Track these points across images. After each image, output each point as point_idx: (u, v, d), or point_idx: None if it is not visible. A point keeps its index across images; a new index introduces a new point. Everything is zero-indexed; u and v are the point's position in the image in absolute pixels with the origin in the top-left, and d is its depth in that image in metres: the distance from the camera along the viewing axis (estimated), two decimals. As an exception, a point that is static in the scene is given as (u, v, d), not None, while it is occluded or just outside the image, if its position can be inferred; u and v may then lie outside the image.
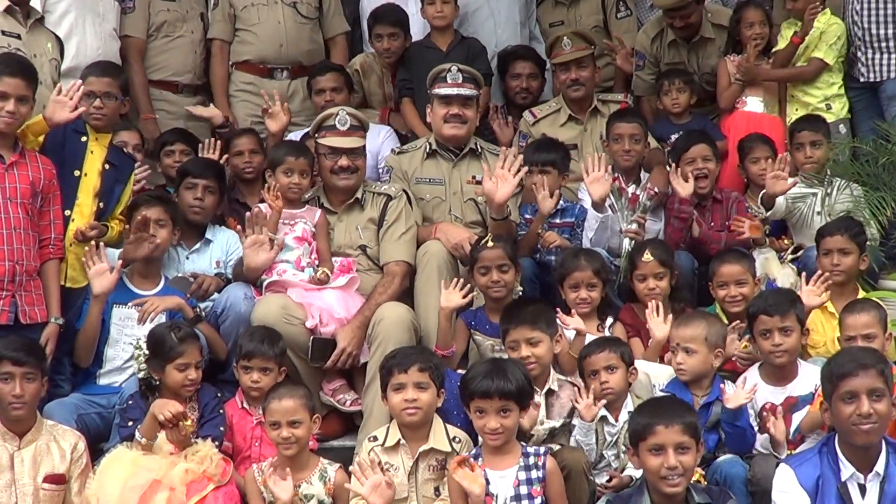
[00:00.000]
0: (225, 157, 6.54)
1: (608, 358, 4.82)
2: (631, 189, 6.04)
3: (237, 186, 6.56)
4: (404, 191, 5.99)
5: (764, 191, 6.01)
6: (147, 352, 5.00)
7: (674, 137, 6.62)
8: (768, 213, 6.00)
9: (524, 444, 4.53)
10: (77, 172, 5.57)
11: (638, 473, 4.41)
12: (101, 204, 5.64)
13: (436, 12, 7.10)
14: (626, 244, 5.86)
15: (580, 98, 6.77)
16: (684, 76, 6.97)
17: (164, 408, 4.67)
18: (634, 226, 5.96)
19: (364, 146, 5.99)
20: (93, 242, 5.42)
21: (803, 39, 6.71)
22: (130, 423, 4.84)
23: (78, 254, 5.47)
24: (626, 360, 4.85)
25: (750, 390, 4.67)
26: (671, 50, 7.21)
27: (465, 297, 5.30)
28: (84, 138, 5.63)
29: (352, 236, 5.86)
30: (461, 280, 5.36)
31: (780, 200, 5.95)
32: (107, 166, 5.67)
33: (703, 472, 4.53)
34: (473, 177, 6.15)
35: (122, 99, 5.83)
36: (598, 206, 5.87)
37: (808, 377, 4.81)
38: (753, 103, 6.86)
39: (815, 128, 6.32)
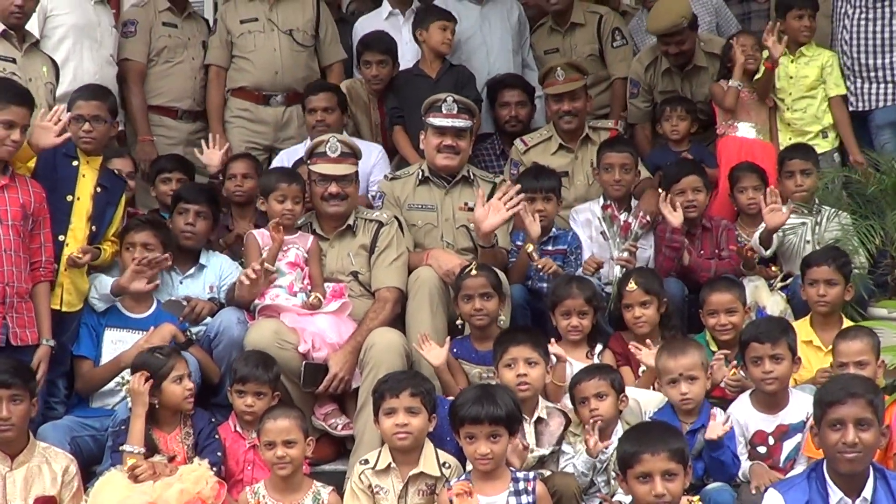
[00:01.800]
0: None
1: (598, 385, 4.85)
2: (623, 217, 6.07)
3: (230, 211, 6.57)
4: (396, 217, 6.01)
5: (762, 228, 6.03)
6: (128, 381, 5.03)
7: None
8: (767, 253, 6.03)
9: (513, 469, 4.53)
10: (69, 197, 5.56)
11: (628, 499, 4.39)
12: (94, 227, 5.62)
13: (445, 39, 7.14)
14: (617, 272, 5.88)
15: (572, 129, 6.80)
16: (686, 104, 7.04)
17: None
18: (626, 254, 5.99)
19: (356, 173, 6.00)
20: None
21: (775, 65, 6.73)
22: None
23: (73, 278, 5.49)
24: (617, 387, 4.87)
25: (724, 423, 4.69)
26: (665, 78, 7.28)
27: (443, 345, 5.34)
28: (75, 162, 5.61)
29: (343, 262, 5.88)
30: (426, 335, 5.37)
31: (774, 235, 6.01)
32: (98, 189, 5.66)
33: (700, 499, 4.49)
34: (466, 203, 6.17)
35: (111, 122, 5.83)
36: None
37: (799, 405, 4.82)
38: (745, 129, 6.86)
39: (805, 156, 6.35)
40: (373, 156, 6.84)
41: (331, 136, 5.98)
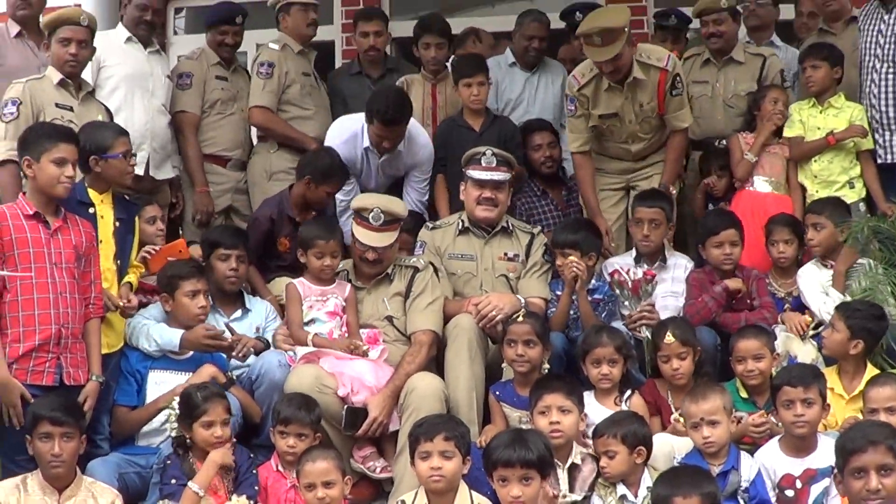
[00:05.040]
0: None
1: (605, 443, 4.91)
2: (629, 276, 6.00)
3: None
4: (431, 263, 6.12)
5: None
6: (178, 411, 5.14)
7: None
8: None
9: (546, 514, 4.60)
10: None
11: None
12: (119, 261, 5.67)
13: (472, 95, 7.17)
14: (645, 332, 5.85)
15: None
16: (725, 159, 7.09)
17: (225, 456, 4.94)
18: (644, 329, 5.91)
19: (396, 241, 6.07)
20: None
21: (839, 141, 6.74)
22: (174, 481, 4.97)
23: (112, 320, 5.56)
24: (629, 442, 4.88)
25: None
26: (606, 95, 6.87)
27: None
28: (92, 209, 5.56)
29: (378, 307, 6.00)
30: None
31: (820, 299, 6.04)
32: (117, 224, 5.68)
33: None
34: (505, 253, 6.31)
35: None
36: None
37: (827, 450, 4.79)
38: (760, 183, 6.91)
39: (819, 210, 6.31)
40: (420, 151, 7.07)
41: (375, 206, 5.99)
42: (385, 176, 7.10)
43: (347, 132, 6.97)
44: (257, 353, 5.83)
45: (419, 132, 7.11)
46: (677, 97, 6.74)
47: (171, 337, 5.59)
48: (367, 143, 6.92)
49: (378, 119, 6.74)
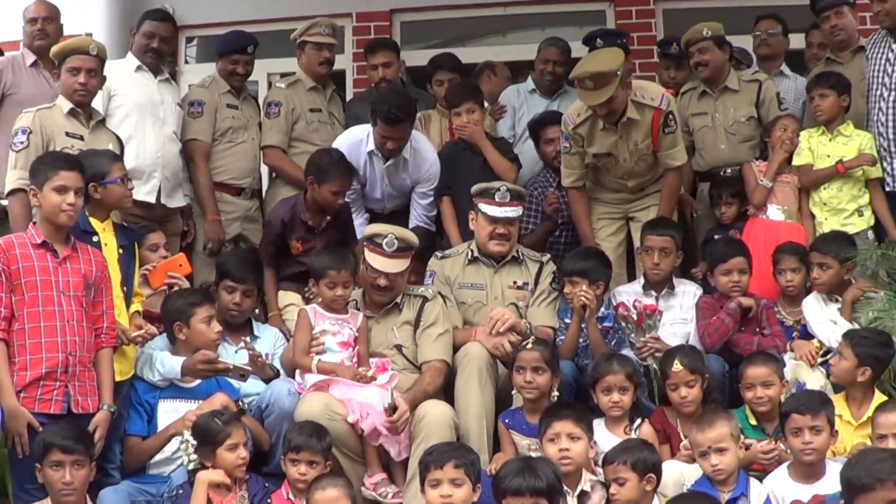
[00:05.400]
0: None
1: (615, 471, 4.90)
2: (633, 309, 6.02)
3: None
4: (440, 293, 6.15)
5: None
6: (195, 442, 5.12)
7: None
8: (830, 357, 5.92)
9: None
10: (103, 271, 5.61)
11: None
12: (125, 288, 5.63)
13: (460, 123, 7.26)
14: (652, 363, 5.90)
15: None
16: (733, 187, 7.15)
17: (213, 475, 4.96)
18: (651, 359, 5.95)
19: (407, 269, 6.10)
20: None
21: (848, 169, 6.75)
22: (184, 511, 4.96)
23: (124, 347, 5.52)
24: (639, 469, 4.87)
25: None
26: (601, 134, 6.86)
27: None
28: (95, 238, 5.53)
29: (388, 336, 6.01)
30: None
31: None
32: (121, 251, 5.67)
33: None
34: (514, 282, 6.34)
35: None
36: None
37: (835, 476, 4.73)
38: (773, 211, 6.94)
39: (825, 249, 6.29)
40: (427, 165, 7.16)
41: (389, 233, 6.02)
42: (392, 187, 7.18)
43: (352, 138, 7.11)
44: (267, 381, 5.85)
45: (427, 147, 7.21)
46: (670, 135, 6.72)
47: (173, 365, 5.59)
48: (370, 146, 7.03)
49: (381, 118, 6.86)
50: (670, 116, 6.68)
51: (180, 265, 6.11)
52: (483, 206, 6.37)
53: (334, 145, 7.05)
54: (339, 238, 6.73)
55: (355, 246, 6.64)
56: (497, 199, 6.33)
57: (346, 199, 6.75)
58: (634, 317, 5.96)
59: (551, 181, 7.43)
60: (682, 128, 7.18)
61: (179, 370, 5.56)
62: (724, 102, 7.50)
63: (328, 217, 6.65)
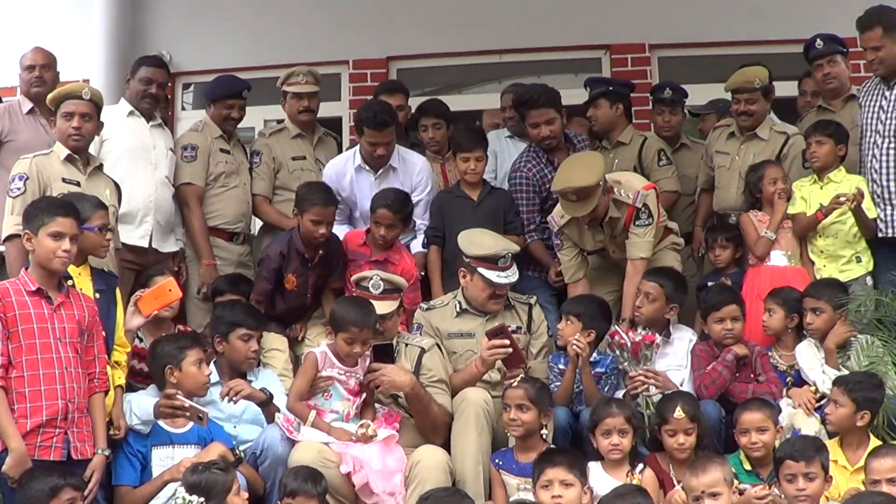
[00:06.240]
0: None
1: None
2: (629, 338, 6.08)
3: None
4: (437, 344, 6.16)
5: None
6: (202, 499, 5.00)
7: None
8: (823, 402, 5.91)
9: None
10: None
11: None
12: (105, 333, 5.52)
13: (469, 168, 7.27)
14: (645, 401, 5.94)
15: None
16: (727, 232, 7.18)
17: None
18: (648, 388, 6.01)
19: (396, 309, 6.08)
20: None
21: (826, 215, 6.75)
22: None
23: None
24: None
25: None
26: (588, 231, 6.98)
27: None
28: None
29: (385, 386, 5.98)
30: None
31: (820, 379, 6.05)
32: (97, 295, 5.64)
33: None
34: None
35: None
36: None
37: None
38: (777, 257, 6.92)
39: (816, 295, 6.32)
40: (416, 170, 7.30)
41: (374, 274, 6.08)
42: None
43: (336, 160, 7.37)
44: (261, 405, 5.86)
45: (413, 154, 7.41)
46: (640, 228, 6.72)
47: (147, 406, 5.54)
48: (357, 161, 7.17)
49: (369, 125, 7.06)
50: (642, 210, 6.71)
51: (169, 290, 5.93)
52: (484, 272, 6.36)
53: (323, 174, 7.21)
54: (329, 272, 6.84)
55: (340, 283, 6.78)
56: (500, 265, 6.37)
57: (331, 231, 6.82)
58: (630, 346, 6.00)
59: (541, 157, 7.45)
60: (706, 162, 7.65)
61: (152, 411, 5.52)
62: (748, 148, 7.47)
63: (321, 252, 6.71)
